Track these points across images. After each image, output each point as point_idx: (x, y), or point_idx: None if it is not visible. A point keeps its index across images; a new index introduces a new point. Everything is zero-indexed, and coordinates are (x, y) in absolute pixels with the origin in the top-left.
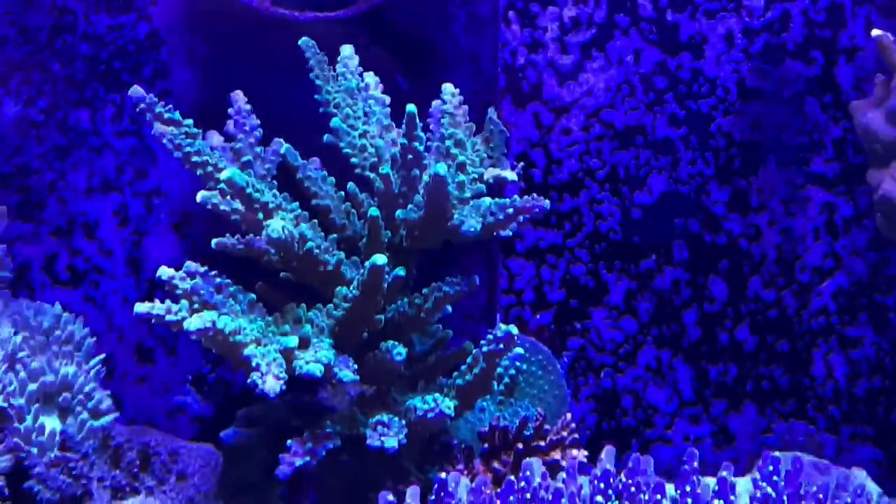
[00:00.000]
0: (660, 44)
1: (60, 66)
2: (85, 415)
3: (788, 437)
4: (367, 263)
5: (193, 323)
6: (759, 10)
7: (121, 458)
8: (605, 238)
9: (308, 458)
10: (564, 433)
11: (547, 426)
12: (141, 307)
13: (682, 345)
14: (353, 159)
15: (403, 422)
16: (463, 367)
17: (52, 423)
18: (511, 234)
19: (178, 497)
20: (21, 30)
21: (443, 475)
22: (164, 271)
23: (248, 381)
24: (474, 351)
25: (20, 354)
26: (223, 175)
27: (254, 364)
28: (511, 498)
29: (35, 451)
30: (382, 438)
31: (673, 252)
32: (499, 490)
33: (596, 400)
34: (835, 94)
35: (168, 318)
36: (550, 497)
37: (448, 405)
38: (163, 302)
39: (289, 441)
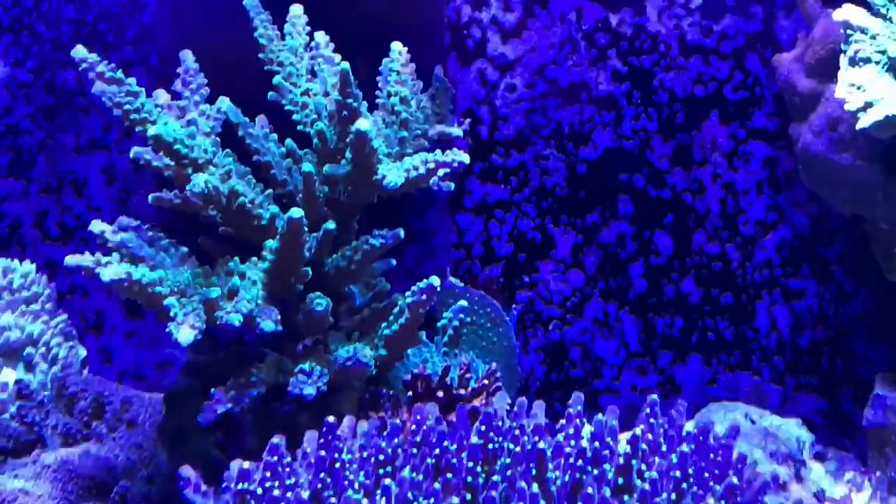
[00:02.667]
0: (601, 0)
1: (47, 29)
2: (46, 367)
3: (733, 388)
4: (284, 216)
5: (107, 274)
6: None
7: (74, 406)
8: (551, 193)
9: (230, 405)
10: (486, 381)
11: (469, 375)
12: (71, 259)
13: (628, 297)
14: (295, 116)
15: (326, 370)
16: (390, 318)
17: (13, 376)
18: (452, 188)
19: (127, 444)
20: None
21: (331, 418)
22: (96, 225)
23: (167, 330)
24: (399, 302)
25: None
26: (150, 131)
27: (171, 314)
28: (395, 440)
29: None
30: (301, 386)
31: (618, 206)
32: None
33: (545, 351)
34: (774, 48)
35: (98, 270)
36: (435, 440)
37: (366, 353)
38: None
39: (213, 389)
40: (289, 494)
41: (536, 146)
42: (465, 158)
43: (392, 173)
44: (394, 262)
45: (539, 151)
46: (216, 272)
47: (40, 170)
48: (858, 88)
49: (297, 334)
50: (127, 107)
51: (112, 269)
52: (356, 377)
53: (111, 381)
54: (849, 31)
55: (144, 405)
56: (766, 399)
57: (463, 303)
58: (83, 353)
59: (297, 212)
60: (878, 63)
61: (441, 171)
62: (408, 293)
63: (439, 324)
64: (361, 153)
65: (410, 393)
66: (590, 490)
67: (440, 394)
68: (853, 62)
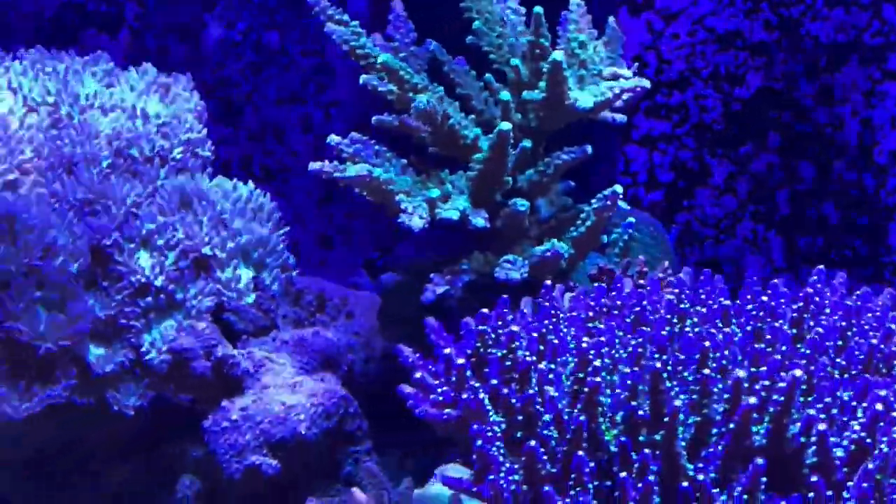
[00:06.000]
0: None
1: None
2: (276, 269)
3: None
4: (495, 129)
5: (351, 170)
6: None
7: (301, 299)
8: (708, 128)
9: (447, 287)
10: (661, 274)
11: (646, 269)
12: (313, 165)
13: (774, 219)
14: (492, 55)
15: (526, 261)
16: (577, 222)
17: (248, 274)
18: (625, 120)
19: (347, 331)
20: None
21: (548, 281)
22: (332, 138)
23: (398, 221)
24: (586, 208)
25: (224, 217)
26: (380, 59)
27: (402, 207)
28: (603, 300)
29: (234, 295)
30: (508, 272)
31: (767, 139)
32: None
33: (701, 266)
34: None
35: (335, 174)
36: (634, 301)
37: (562, 245)
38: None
39: (431, 274)
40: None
41: (696, 87)
42: (647, 84)
43: (583, 97)
44: (573, 183)
45: (699, 91)
46: (429, 181)
47: (247, 118)
48: None
49: (499, 237)
50: (353, 44)
51: (356, 167)
52: (550, 269)
53: (329, 282)
54: None
55: (360, 301)
56: None
57: (631, 219)
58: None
59: (506, 125)
60: None
61: (626, 96)
62: (594, 200)
63: (610, 238)
64: (556, 80)
65: (596, 284)
66: (768, 336)
67: None
68: None
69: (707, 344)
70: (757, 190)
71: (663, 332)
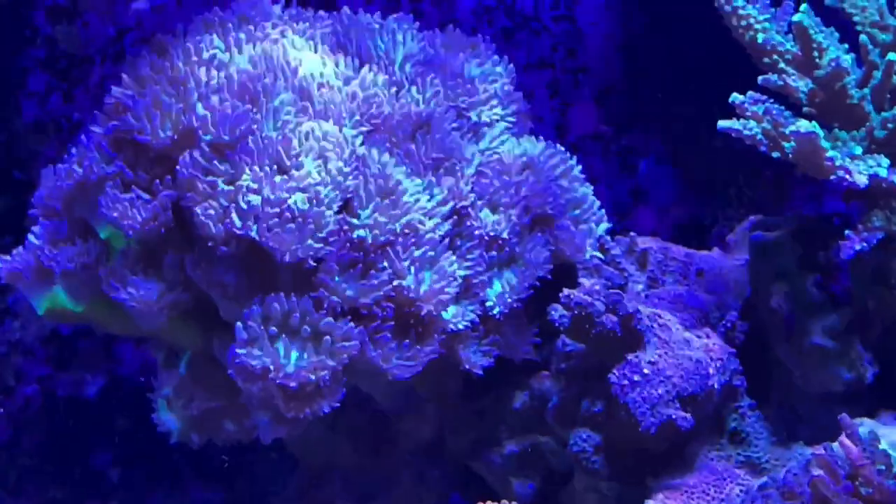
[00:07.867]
0: None
1: None
2: (592, 225)
3: None
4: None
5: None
6: None
7: (647, 260)
8: None
9: (864, 245)
10: None
11: None
12: (723, 123)
13: None
14: (855, 17)
15: None
16: None
17: (583, 230)
18: None
19: (701, 288)
20: None
21: None
22: (735, 97)
23: (833, 177)
24: None
25: (552, 177)
26: (796, 17)
27: (838, 164)
28: None
29: (576, 250)
30: None
31: None
32: None
33: None
34: None
35: (745, 132)
36: None
37: None
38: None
39: (847, 231)
40: None
41: None
42: None
43: None
44: None
45: None
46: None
47: None
48: None
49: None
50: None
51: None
52: None
53: (668, 242)
54: None
55: (703, 259)
56: None
57: None
58: None
59: None
60: None
61: None
62: None
63: None
64: None
65: None
66: None
67: None
68: None
69: None
70: None
71: None
